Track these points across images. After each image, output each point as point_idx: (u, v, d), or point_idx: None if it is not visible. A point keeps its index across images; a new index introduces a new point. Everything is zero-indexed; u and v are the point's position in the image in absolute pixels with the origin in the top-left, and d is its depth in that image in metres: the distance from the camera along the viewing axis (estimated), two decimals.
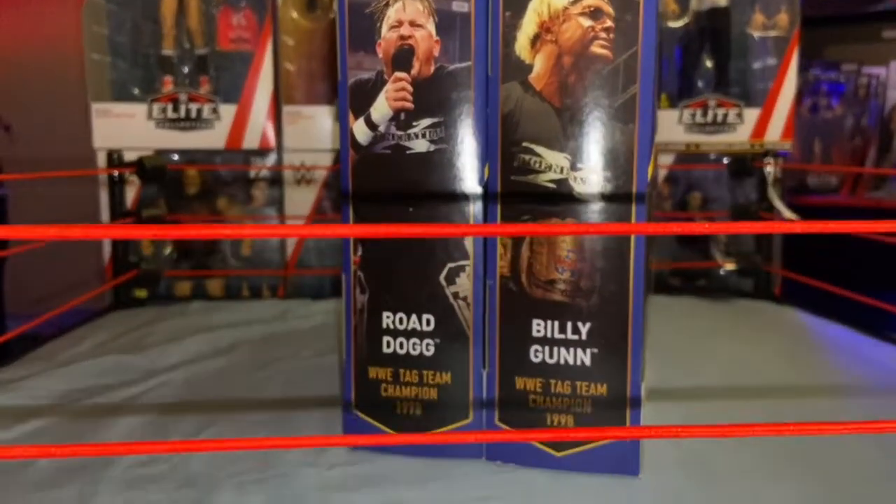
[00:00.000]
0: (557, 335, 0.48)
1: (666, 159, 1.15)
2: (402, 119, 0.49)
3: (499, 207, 0.49)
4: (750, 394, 0.65)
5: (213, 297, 1.11)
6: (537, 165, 0.47)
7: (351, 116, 0.50)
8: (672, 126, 1.13)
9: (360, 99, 0.50)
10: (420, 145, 0.49)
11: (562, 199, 0.47)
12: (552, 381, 0.49)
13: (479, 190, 0.49)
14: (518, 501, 0.45)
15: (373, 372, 0.52)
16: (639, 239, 0.46)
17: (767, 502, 0.45)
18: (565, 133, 0.46)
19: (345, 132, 0.50)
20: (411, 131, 0.49)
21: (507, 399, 0.50)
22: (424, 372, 0.51)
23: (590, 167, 0.46)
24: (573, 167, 0.47)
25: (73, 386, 0.66)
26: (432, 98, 0.48)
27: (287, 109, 1.09)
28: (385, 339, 0.51)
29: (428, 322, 0.50)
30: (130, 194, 1.08)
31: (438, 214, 0.49)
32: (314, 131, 1.10)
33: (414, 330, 0.51)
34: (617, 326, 0.47)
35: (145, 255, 1.10)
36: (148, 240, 1.12)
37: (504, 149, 0.48)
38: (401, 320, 0.51)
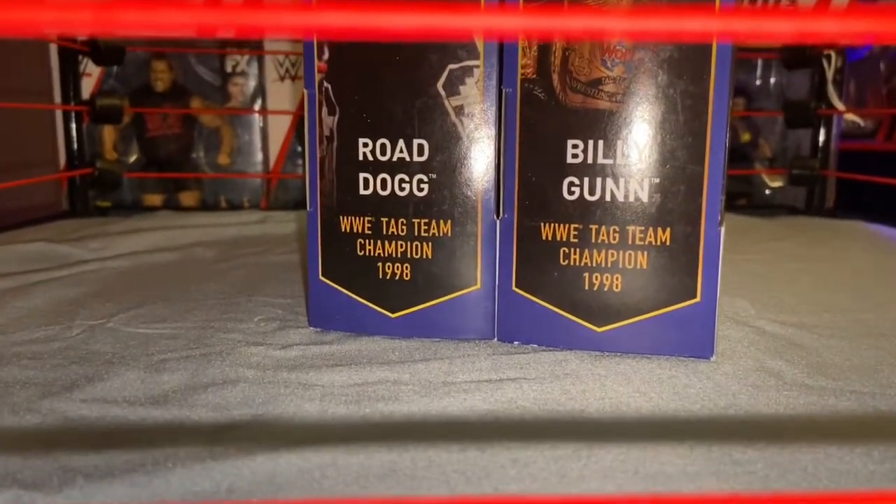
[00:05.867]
0: (602, 159, 0.34)
1: None
2: None
3: None
4: (835, 288, 0.51)
5: (186, 209, 0.97)
6: None
7: None
8: None
9: None
10: None
11: None
12: (592, 227, 0.35)
13: None
14: (539, 384, 0.31)
15: (345, 223, 0.38)
16: (727, 8, 0.32)
17: (891, 390, 0.31)
18: None
19: None
20: None
21: (528, 255, 0.36)
22: (416, 221, 0.37)
23: None
24: None
25: None
26: None
27: None
28: (362, 176, 0.37)
29: (420, 150, 0.36)
30: (88, 89, 0.94)
31: None
32: None
33: (401, 161, 0.37)
34: (690, 145, 0.33)
35: (108, 161, 0.96)
36: (110, 144, 0.98)
37: None
38: (383, 149, 0.37)
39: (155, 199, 1.00)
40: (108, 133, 0.98)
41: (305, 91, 0.38)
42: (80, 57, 0.87)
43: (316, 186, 0.38)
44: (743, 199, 1.01)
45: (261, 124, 0.99)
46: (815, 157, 0.91)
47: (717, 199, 0.33)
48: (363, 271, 0.38)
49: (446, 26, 0.12)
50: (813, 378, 0.32)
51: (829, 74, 0.90)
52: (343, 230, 0.38)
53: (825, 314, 0.43)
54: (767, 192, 1.01)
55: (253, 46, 0.96)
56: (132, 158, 0.99)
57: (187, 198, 1.00)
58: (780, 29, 0.12)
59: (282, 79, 0.98)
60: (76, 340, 0.37)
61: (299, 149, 1.00)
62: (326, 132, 0.38)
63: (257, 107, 0.98)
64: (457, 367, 0.33)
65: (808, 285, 0.51)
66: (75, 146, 0.87)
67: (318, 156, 0.38)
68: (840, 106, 0.88)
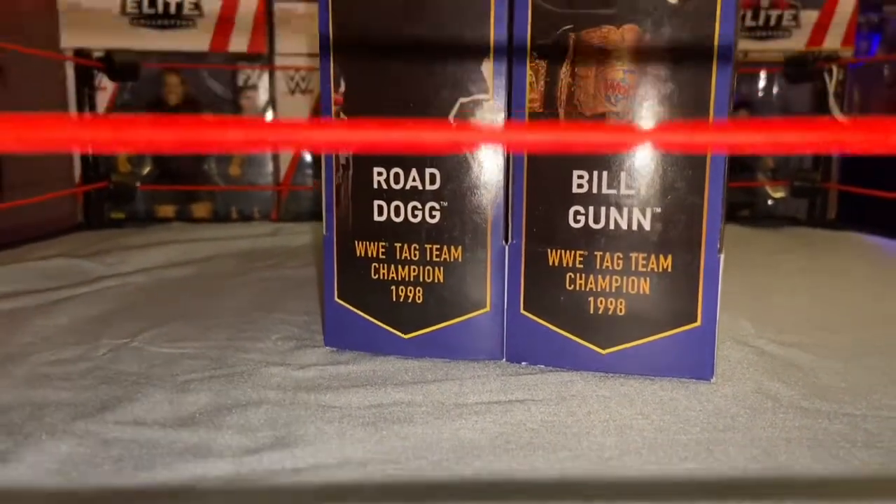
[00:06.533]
0: (607, 190, 0.36)
1: None
2: None
3: (528, 15, 0.36)
4: (840, 322, 0.53)
5: (198, 220, 0.99)
6: None
7: None
8: None
9: None
10: None
11: None
12: (597, 254, 0.36)
13: None
14: (546, 406, 0.33)
15: (360, 248, 0.40)
16: (725, 46, 0.33)
17: (884, 410, 0.33)
18: None
19: None
20: None
21: (536, 280, 0.38)
22: (428, 246, 0.39)
23: None
24: None
25: (5, 289, 0.54)
26: None
27: (280, 6, 0.96)
28: (376, 203, 0.39)
29: (432, 179, 0.38)
30: (103, 103, 0.96)
31: (444, 32, 0.37)
32: (312, 32, 0.97)
33: (414, 190, 0.38)
34: (690, 177, 0.35)
35: (119, 171, 0.98)
36: (124, 157, 1.00)
37: None
38: (396, 177, 0.38)
39: (168, 209, 1.02)
40: None
41: (323, 118, 0.39)
42: (95, 72, 0.89)
43: (332, 212, 0.40)
44: (746, 209, 1.03)
45: None
46: (816, 169, 0.92)
47: (717, 227, 0.35)
48: (377, 294, 0.40)
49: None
50: (809, 400, 0.34)
51: (831, 87, 0.91)
52: (358, 254, 0.40)
53: (823, 332, 0.45)
54: (770, 202, 1.02)
55: (264, 61, 0.97)
56: (145, 170, 1.01)
57: (199, 209, 1.02)
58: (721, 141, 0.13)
59: (292, 92, 1.00)
60: (103, 360, 0.39)
61: (309, 159, 1.02)
62: (343, 161, 0.39)
63: (268, 120, 1.00)
64: (468, 389, 0.35)
65: (807, 301, 0.53)
66: (90, 160, 0.89)
67: (335, 183, 0.40)
68: (840, 117, 0.89)
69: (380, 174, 0.39)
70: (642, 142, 0.13)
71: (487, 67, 0.37)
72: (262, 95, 1.00)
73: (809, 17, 0.99)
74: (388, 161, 0.38)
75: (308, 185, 1.01)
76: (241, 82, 1.00)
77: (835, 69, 0.89)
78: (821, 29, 0.99)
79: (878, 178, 0.94)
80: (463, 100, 0.37)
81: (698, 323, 0.36)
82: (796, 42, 0.98)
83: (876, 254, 0.74)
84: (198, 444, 0.29)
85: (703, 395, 0.34)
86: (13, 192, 0.83)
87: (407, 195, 0.38)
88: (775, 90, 1.00)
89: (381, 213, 0.39)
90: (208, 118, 0.14)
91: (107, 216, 0.94)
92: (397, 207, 0.39)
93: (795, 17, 0.99)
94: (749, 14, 0.99)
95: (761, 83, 1.00)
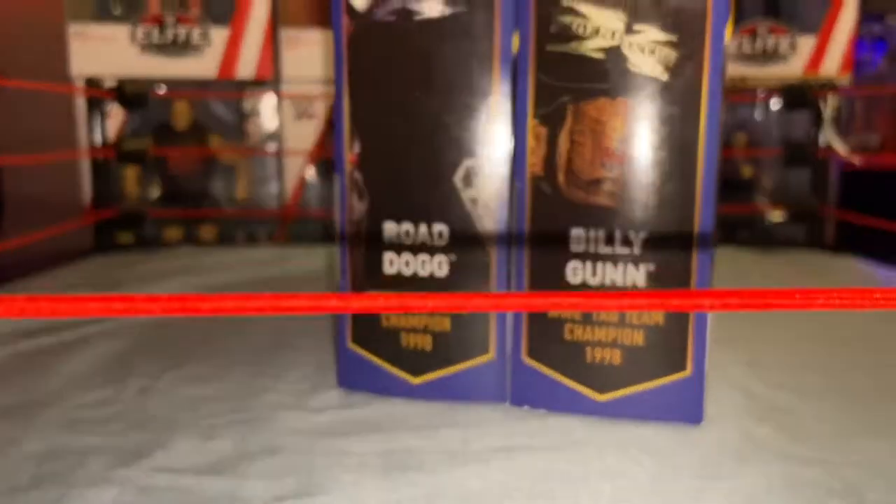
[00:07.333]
0: (603, 248, 0.38)
1: None
2: None
3: (530, 87, 0.38)
4: (831, 345, 0.55)
5: (205, 243, 1.02)
6: (581, 30, 0.37)
7: None
8: None
9: None
10: (432, 8, 0.39)
11: (612, 72, 0.37)
12: None
13: (506, 65, 0.39)
14: (548, 453, 0.35)
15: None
16: (711, 120, 0.36)
17: (863, 456, 0.35)
18: None
19: None
20: None
21: (537, 329, 0.40)
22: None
23: (650, 29, 0.36)
24: (629, 30, 0.36)
25: (28, 325, 0.57)
26: None
27: (286, 34, 0.99)
28: (387, 256, 0.42)
29: (440, 234, 0.41)
30: (112, 130, 0.98)
31: (452, 100, 0.39)
32: (317, 58, 0.99)
33: (423, 244, 0.41)
34: (679, 237, 0.37)
35: (129, 196, 1.01)
36: (132, 180, 1.02)
37: (539, 9, 0.38)
38: (406, 232, 0.41)
39: (175, 233, 1.04)
40: (131, 171, 1.02)
41: (337, 177, 0.42)
42: (106, 101, 0.92)
43: (346, 263, 0.43)
44: (744, 231, 1.05)
45: (277, 160, 1.04)
46: (814, 194, 0.95)
47: (706, 284, 0.37)
48: (388, 340, 0.42)
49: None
50: (793, 445, 0.36)
51: (828, 114, 0.94)
52: None
53: (812, 373, 0.47)
54: (768, 225, 1.05)
55: (271, 87, 1.00)
56: (154, 195, 1.04)
57: (206, 231, 1.05)
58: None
59: (299, 117, 1.03)
60: (132, 404, 0.41)
61: (311, 181, 1.05)
62: (356, 216, 0.42)
63: (274, 144, 1.03)
64: (473, 435, 0.37)
65: (798, 336, 0.56)
66: (101, 187, 0.92)
67: (349, 236, 0.42)
68: (842, 150, 0.92)
69: (391, 229, 0.41)
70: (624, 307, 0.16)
71: (492, 133, 0.39)
72: (269, 121, 1.02)
73: (806, 42, 1.01)
74: (399, 216, 0.41)
75: (312, 210, 1.04)
76: (247, 108, 1.03)
77: (829, 98, 0.92)
78: (818, 54, 1.01)
79: (876, 204, 0.97)
80: (468, 162, 0.40)
81: (688, 372, 0.38)
82: (793, 67, 1.01)
83: (870, 283, 0.77)
84: (228, 492, 0.32)
85: (692, 442, 0.37)
86: (25, 220, 0.85)
87: (416, 249, 0.41)
88: (774, 115, 1.03)
89: (391, 265, 0.42)
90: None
91: (115, 241, 0.96)
92: (407, 260, 0.41)
93: (792, 44, 1.01)
94: (746, 40, 1.02)
95: (759, 108, 1.03)
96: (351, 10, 0.40)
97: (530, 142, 0.39)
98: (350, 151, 0.42)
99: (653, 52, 0.36)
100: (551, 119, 0.38)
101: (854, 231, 0.92)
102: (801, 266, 0.85)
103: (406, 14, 0.39)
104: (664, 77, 0.36)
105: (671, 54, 0.36)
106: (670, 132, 0.37)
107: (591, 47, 0.37)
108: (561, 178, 0.39)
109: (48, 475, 0.33)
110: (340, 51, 0.41)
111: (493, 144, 0.39)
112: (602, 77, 0.37)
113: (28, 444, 0.36)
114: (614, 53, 0.37)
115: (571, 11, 0.37)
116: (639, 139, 0.37)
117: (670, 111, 0.37)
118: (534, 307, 0.17)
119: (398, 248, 0.41)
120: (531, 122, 0.39)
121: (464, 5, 0.38)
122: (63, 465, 0.34)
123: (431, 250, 0.41)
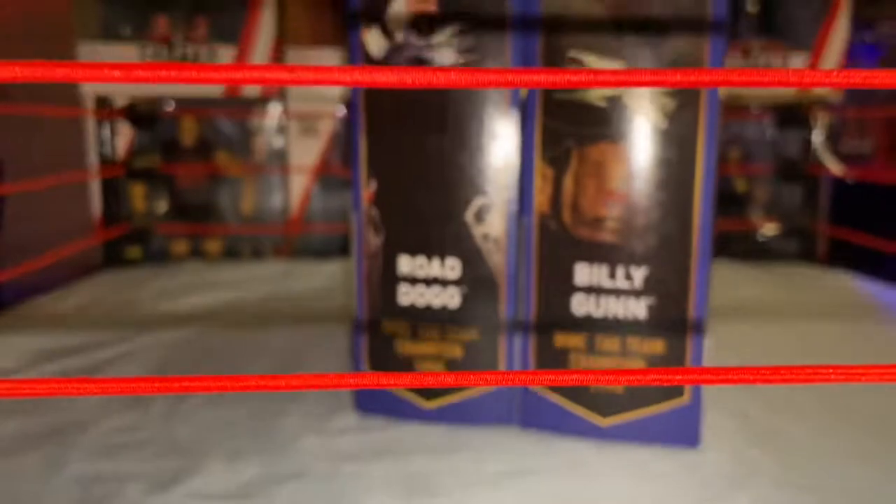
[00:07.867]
0: (605, 283, 0.41)
1: None
2: (424, 25, 0.41)
3: (537, 131, 0.41)
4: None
5: (211, 258, 1.04)
6: None
7: (363, 23, 0.42)
8: None
9: (375, 0, 0.42)
10: (445, 57, 0.41)
11: (614, 118, 0.39)
12: (598, 337, 0.41)
13: (515, 112, 0.41)
14: (557, 477, 0.38)
15: (387, 326, 0.45)
16: (707, 162, 0.39)
17: (852, 482, 0.38)
18: (620, 37, 0.39)
19: (355, 42, 0.43)
20: (435, 40, 0.41)
21: (543, 359, 0.43)
22: (447, 326, 0.44)
23: None
24: None
25: (49, 345, 0.59)
26: None
27: (292, 53, 1.01)
28: (402, 287, 0.44)
29: (452, 268, 0.43)
30: (121, 148, 1.00)
31: (466, 142, 0.42)
32: None
33: (435, 278, 0.43)
34: (677, 272, 0.40)
35: (137, 212, 1.03)
36: (140, 196, 1.05)
37: (546, 60, 0.40)
38: (420, 266, 0.43)
39: (182, 246, 1.06)
40: (139, 187, 1.04)
41: (354, 213, 0.45)
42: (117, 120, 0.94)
43: (363, 295, 0.45)
44: (739, 245, 1.08)
45: (281, 176, 1.06)
46: (806, 209, 0.98)
47: (702, 316, 0.40)
48: (402, 367, 0.45)
49: None
50: (784, 470, 0.39)
51: (820, 132, 0.97)
52: (385, 332, 0.45)
53: (804, 394, 0.50)
54: (762, 239, 1.07)
55: (277, 104, 1.02)
56: (162, 211, 1.06)
57: (212, 245, 1.07)
58: None
59: (304, 133, 1.05)
60: (158, 428, 0.44)
61: (314, 194, 1.07)
62: (372, 249, 0.44)
63: (280, 159, 1.05)
64: (485, 458, 0.40)
65: (790, 353, 0.58)
66: (110, 204, 0.94)
67: (365, 268, 0.45)
68: (835, 168, 0.95)
69: (405, 262, 0.44)
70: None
71: (503, 174, 0.42)
72: (274, 137, 1.04)
73: (799, 60, 1.04)
74: (413, 251, 0.43)
75: (316, 224, 1.06)
76: (254, 125, 1.05)
77: (819, 116, 0.94)
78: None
79: (867, 219, 1.00)
80: (480, 200, 0.42)
81: (686, 398, 0.41)
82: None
83: (859, 300, 0.80)
84: None
85: (689, 466, 0.39)
86: (37, 239, 0.87)
87: (429, 281, 0.43)
88: (767, 132, 1.06)
89: (406, 296, 0.44)
90: None
91: (124, 256, 0.98)
92: (421, 292, 0.44)
93: (785, 63, 1.04)
94: (740, 57, 1.04)
95: (753, 124, 1.05)
96: (367, 57, 0.42)
97: (538, 182, 0.41)
98: (367, 189, 0.44)
99: (652, 100, 0.39)
100: (557, 161, 0.41)
101: (846, 246, 0.94)
102: (794, 281, 0.88)
103: (420, 62, 0.41)
104: (663, 124, 0.39)
105: (670, 102, 0.39)
106: (669, 174, 0.39)
107: (595, 96, 0.39)
108: (566, 215, 0.41)
109: (92, 500, 0.35)
110: (357, 94, 0.43)
111: (503, 184, 0.42)
112: (605, 123, 0.39)
113: (70, 469, 0.38)
114: (616, 101, 0.39)
115: (576, 62, 0.39)
116: (639, 181, 0.40)
117: (669, 155, 0.39)
118: (536, 382, 0.19)
119: (412, 280, 0.44)
120: (539, 163, 0.41)
121: (476, 55, 0.41)
122: (104, 489, 0.36)
123: (444, 282, 0.43)
